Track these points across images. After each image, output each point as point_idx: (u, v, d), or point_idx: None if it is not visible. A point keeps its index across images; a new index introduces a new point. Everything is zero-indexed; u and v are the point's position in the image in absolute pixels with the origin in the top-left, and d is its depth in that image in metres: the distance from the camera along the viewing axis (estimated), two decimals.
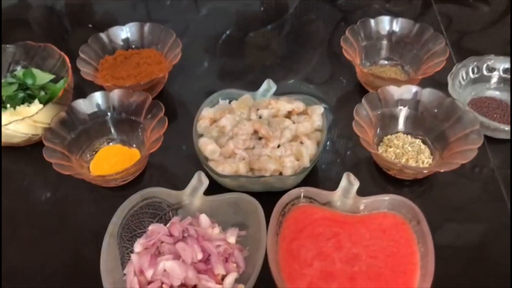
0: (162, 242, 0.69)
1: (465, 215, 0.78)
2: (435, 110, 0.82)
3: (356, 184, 0.72)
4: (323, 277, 0.64)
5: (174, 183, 0.82)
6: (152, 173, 0.85)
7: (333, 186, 0.73)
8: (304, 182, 0.78)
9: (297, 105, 0.82)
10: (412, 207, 0.69)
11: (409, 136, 0.85)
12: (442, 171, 0.72)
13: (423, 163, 0.81)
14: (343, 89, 1.04)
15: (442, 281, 0.62)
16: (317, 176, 0.83)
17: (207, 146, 0.77)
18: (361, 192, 0.72)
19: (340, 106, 1.00)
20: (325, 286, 0.63)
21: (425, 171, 0.74)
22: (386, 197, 0.71)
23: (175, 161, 0.87)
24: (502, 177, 0.83)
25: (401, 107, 0.85)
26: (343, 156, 0.88)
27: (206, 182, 0.73)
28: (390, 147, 0.84)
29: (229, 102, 0.87)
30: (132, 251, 0.69)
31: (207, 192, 0.74)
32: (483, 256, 0.73)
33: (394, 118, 0.86)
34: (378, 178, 0.84)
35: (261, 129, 0.77)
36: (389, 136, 0.86)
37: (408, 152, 0.82)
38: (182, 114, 0.97)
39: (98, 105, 0.86)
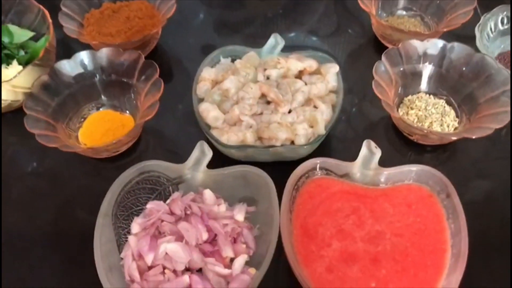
0: (162, 221, 0.62)
1: (494, 184, 0.71)
2: (463, 68, 0.74)
3: (377, 153, 0.64)
4: (343, 258, 0.58)
5: (173, 152, 0.75)
6: (148, 141, 0.77)
7: (347, 155, 0.66)
8: (317, 151, 0.71)
9: (309, 63, 0.73)
10: (440, 178, 0.62)
11: (432, 97, 0.77)
12: (474, 137, 0.64)
13: (448, 126, 0.73)
14: (353, 42, 0.94)
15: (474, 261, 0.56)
16: (330, 144, 0.75)
17: (209, 113, 0.68)
18: (379, 160, 0.65)
19: (351, 61, 0.91)
20: (346, 270, 0.57)
21: (454, 138, 0.66)
22: (412, 168, 0.63)
23: (173, 128, 0.79)
24: None
25: (425, 63, 0.76)
26: (358, 120, 0.80)
27: (209, 153, 0.65)
28: (412, 109, 0.75)
29: (232, 61, 0.77)
30: (129, 232, 0.62)
31: (210, 164, 0.66)
32: None
33: (416, 76, 0.77)
34: (397, 143, 0.76)
35: (269, 92, 0.68)
36: (410, 97, 0.77)
37: (431, 115, 0.74)
38: (178, 74, 0.88)
39: (84, 66, 0.76)
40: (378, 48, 0.88)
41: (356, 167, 0.64)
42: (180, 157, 0.67)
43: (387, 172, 0.64)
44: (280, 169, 0.65)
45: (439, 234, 0.60)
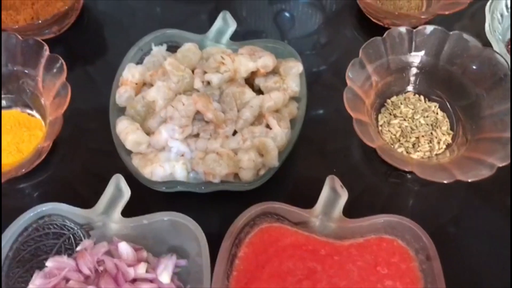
0: (67, 281, 0.49)
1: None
2: (468, 64, 0.56)
3: (344, 195, 0.50)
4: None
5: (87, 181, 0.59)
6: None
7: (312, 187, 0.51)
8: (271, 181, 0.55)
9: (264, 62, 0.55)
10: (419, 236, 0.48)
11: (422, 98, 0.61)
12: (470, 180, 0.49)
13: (439, 143, 0.58)
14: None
15: None
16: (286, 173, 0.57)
17: (127, 135, 0.52)
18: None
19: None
20: None
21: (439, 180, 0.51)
22: (386, 218, 0.49)
23: (87, 143, 0.61)
24: None
25: (417, 53, 0.58)
26: (324, 141, 0.61)
27: (127, 193, 0.50)
28: (395, 116, 0.59)
29: (169, 49, 0.59)
30: None
31: (133, 197, 0.51)
32: None
33: (404, 71, 0.60)
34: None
35: (207, 112, 0.51)
36: (394, 98, 0.61)
37: (419, 127, 0.58)
38: (102, 61, 0.67)
39: None
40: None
41: (314, 215, 0.50)
42: (95, 189, 0.52)
43: (352, 225, 0.50)
44: (223, 200, 0.51)
45: None
